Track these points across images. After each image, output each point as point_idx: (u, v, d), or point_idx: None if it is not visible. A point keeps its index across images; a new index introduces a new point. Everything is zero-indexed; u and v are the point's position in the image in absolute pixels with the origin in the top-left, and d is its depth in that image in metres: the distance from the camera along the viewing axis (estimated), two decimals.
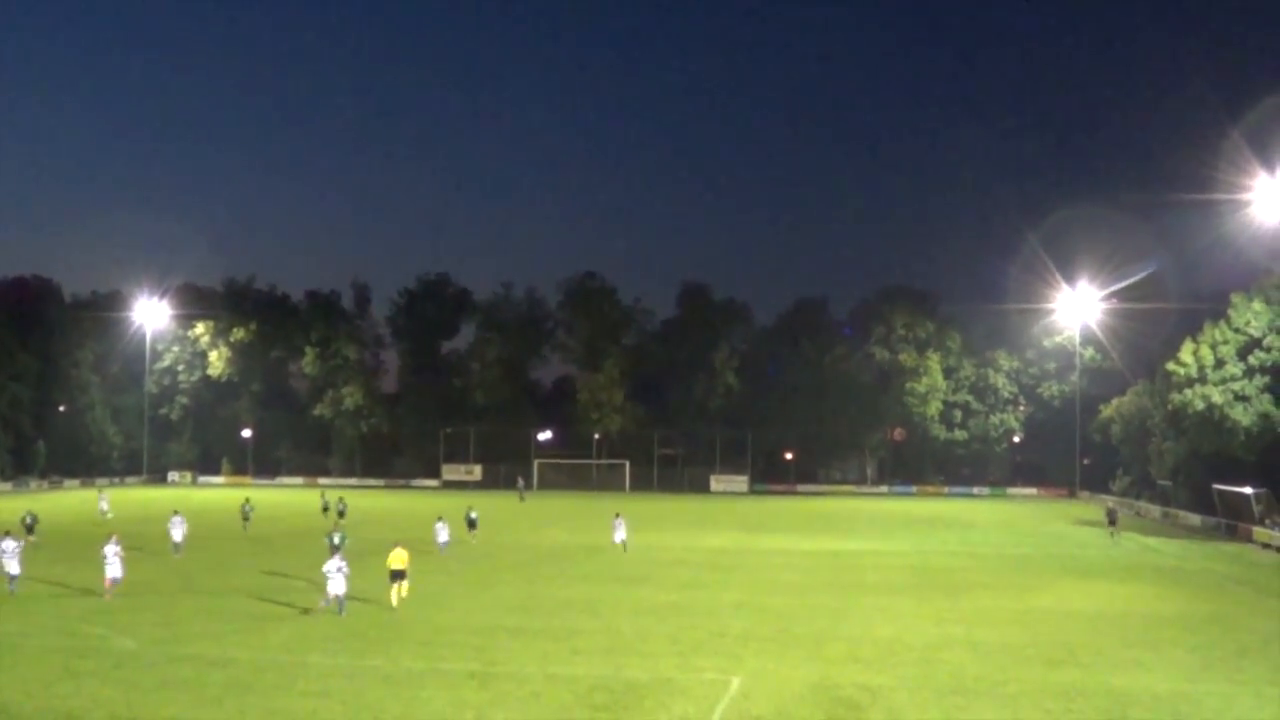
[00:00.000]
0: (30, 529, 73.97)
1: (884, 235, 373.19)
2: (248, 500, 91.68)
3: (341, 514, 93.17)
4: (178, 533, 70.81)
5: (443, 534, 71.54)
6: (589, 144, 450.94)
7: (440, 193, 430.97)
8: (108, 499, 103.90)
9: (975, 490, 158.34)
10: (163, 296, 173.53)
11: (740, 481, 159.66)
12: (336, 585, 47.40)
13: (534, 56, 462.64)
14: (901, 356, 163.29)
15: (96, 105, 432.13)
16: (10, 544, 53.85)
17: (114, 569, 52.18)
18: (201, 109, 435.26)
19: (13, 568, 52.96)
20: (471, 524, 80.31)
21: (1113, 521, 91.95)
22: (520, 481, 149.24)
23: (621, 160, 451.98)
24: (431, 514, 76.35)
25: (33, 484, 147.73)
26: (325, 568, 48.25)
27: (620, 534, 76.70)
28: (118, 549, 52.78)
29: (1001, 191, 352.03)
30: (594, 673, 35.06)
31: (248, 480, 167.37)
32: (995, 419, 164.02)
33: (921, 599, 52.60)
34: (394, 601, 49.12)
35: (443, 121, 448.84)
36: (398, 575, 49.87)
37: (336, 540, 60.70)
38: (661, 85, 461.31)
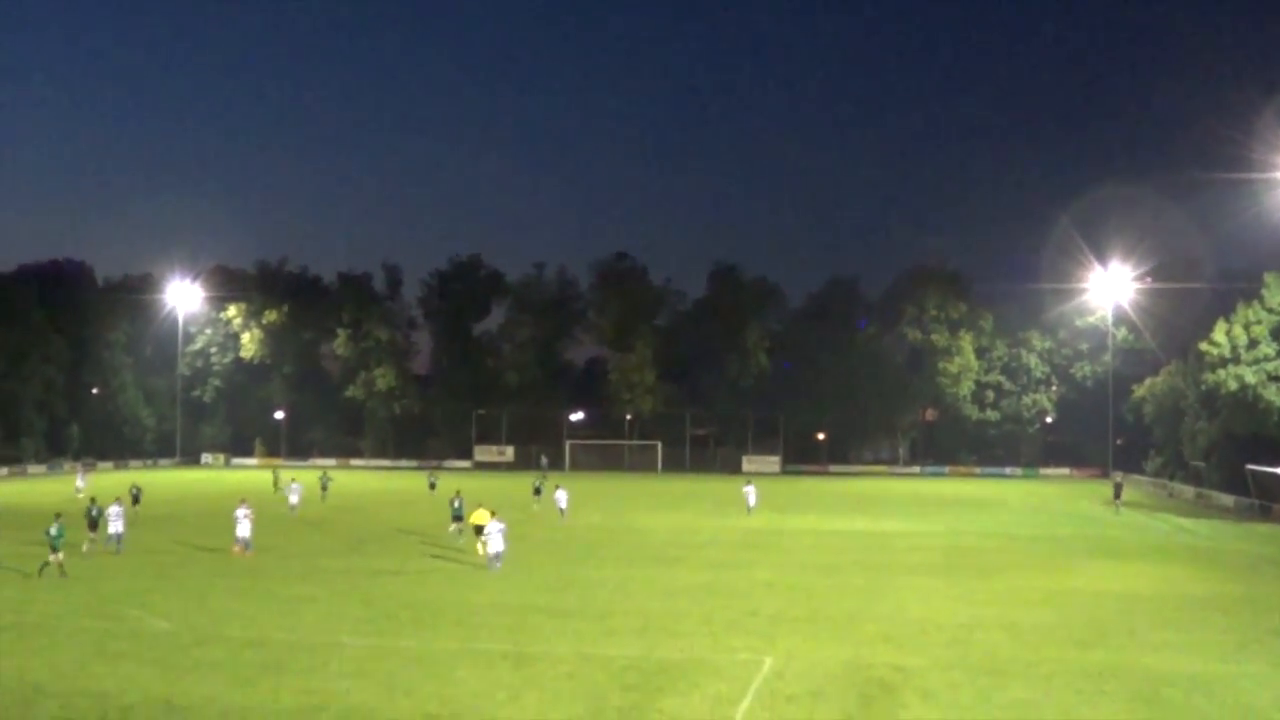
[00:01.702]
0: (136, 499, 78.57)
1: (916, 215, 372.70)
2: (325, 473, 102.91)
3: (433, 485, 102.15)
4: (295, 497, 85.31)
5: (562, 501, 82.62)
6: (621, 125, 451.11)
7: (472, 174, 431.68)
8: (85, 479, 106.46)
9: (1008, 471, 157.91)
10: (195, 279, 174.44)
11: (772, 462, 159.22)
12: (496, 544, 53.56)
13: (565, 38, 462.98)
14: (934, 337, 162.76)
15: (129, 89, 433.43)
16: (115, 509, 60.10)
17: (243, 529, 58.76)
18: (234, 92, 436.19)
19: (117, 526, 58.78)
20: (538, 491, 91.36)
21: (1117, 495, 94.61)
22: (543, 460, 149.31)
23: (653, 141, 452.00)
24: (480, 495, 76.15)
25: (66, 466, 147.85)
26: (487, 529, 54.81)
27: (751, 500, 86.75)
28: (248, 511, 59.55)
29: (1035, 171, 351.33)
30: (627, 653, 35.08)
31: (279, 462, 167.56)
32: (1028, 399, 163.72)
33: (954, 579, 52.55)
34: (480, 552, 56.71)
35: (474, 103, 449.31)
36: (481, 530, 57.39)
37: (457, 505, 67.98)
38: (693, 65, 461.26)
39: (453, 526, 66.30)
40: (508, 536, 55.21)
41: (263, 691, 30.02)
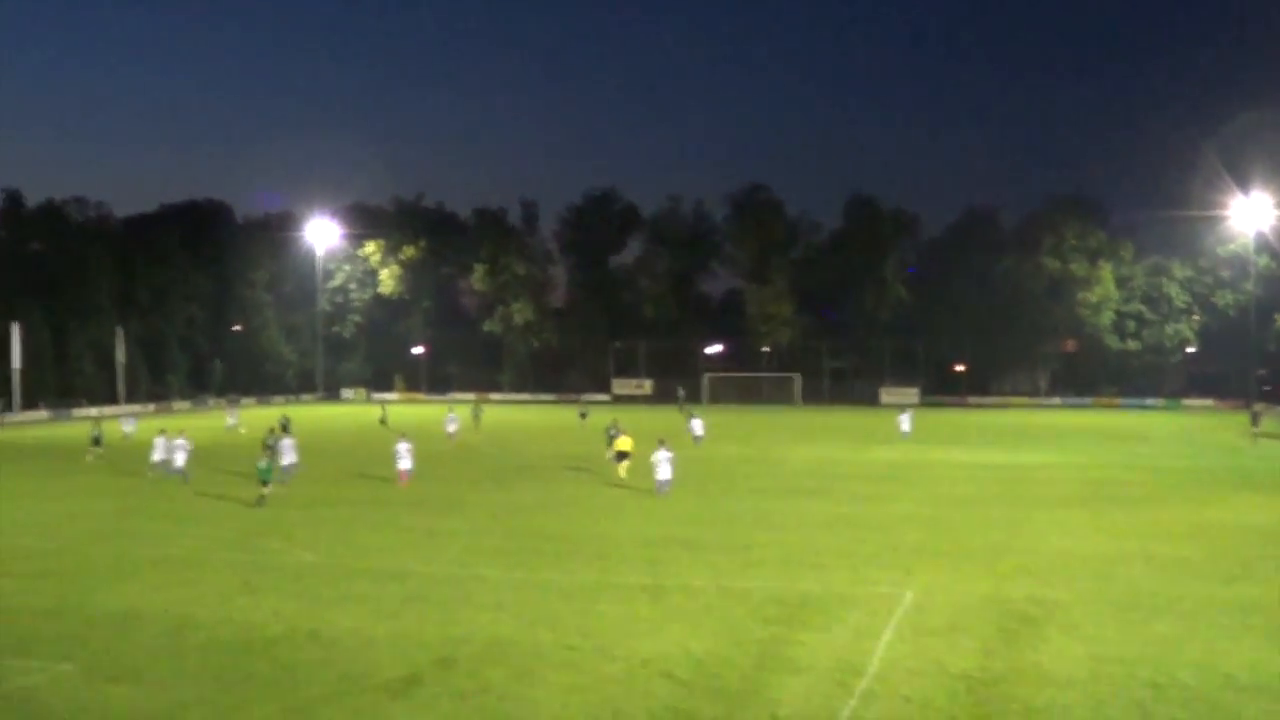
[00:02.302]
0: (285, 429, 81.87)
1: (1055, 143, 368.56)
2: (478, 405, 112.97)
3: (583, 416, 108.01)
4: (452, 427, 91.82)
5: (698, 429, 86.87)
6: (754, 56, 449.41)
7: (606, 108, 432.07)
8: (236, 414, 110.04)
9: (1149, 402, 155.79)
10: (333, 216, 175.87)
11: (911, 394, 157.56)
12: (664, 472, 56.41)
13: None
14: (1073, 266, 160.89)
15: (266, 28, 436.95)
16: (289, 441, 63.51)
17: (405, 462, 61.58)
18: (370, 29, 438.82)
19: (290, 457, 61.72)
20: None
21: (1255, 424, 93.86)
22: (681, 392, 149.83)
23: (787, 71, 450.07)
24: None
25: (210, 402, 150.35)
26: (653, 458, 57.21)
27: (906, 426, 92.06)
28: (409, 445, 62.16)
29: (1175, 97, 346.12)
30: (766, 586, 35.09)
31: (420, 397, 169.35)
32: (1169, 329, 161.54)
33: (1096, 512, 52.05)
34: (622, 473, 62.97)
35: (608, 37, 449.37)
36: (623, 455, 64.00)
37: (613, 433, 72.16)
38: None
39: (609, 454, 68.67)
40: (675, 464, 57.44)
41: (406, 623, 30.39)
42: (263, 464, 55.01)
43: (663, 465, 56.43)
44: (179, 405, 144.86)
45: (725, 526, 47.30)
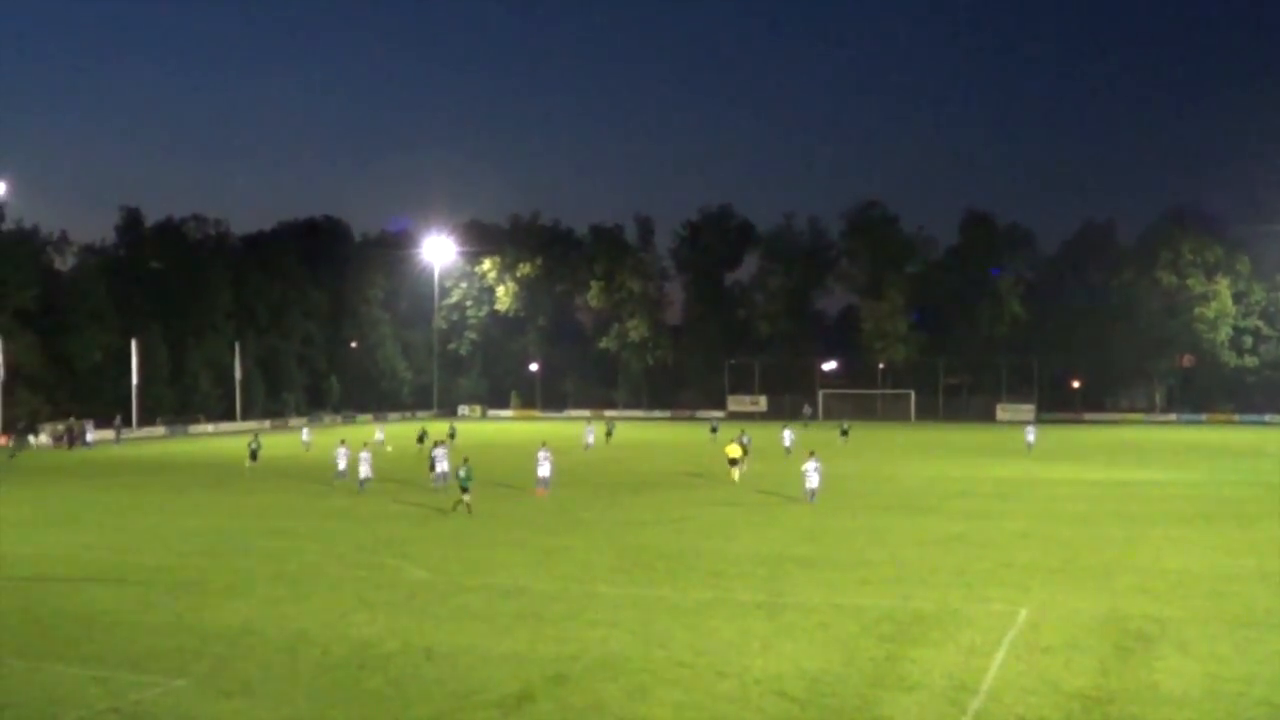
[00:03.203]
0: (421, 441, 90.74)
1: (1170, 157, 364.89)
2: (611, 421, 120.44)
3: (714, 430, 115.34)
4: (590, 438, 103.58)
5: (787, 440, 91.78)
6: (869, 72, 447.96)
7: (721, 124, 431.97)
8: (383, 430, 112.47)
9: (1267, 418, 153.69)
10: (449, 233, 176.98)
11: (1026, 410, 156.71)
12: (812, 481, 60.01)
13: None
14: (1189, 281, 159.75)
15: (382, 47, 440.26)
16: (440, 450, 66.60)
17: (544, 470, 64.21)
18: (485, 47, 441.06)
19: (442, 466, 64.59)
20: (844, 433, 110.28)
21: None
22: (807, 409, 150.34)
23: (901, 87, 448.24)
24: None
25: (326, 418, 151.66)
26: (803, 468, 60.90)
27: (1031, 438, 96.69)
28: (548, 454, 65.22)
29: None
30: (881, 603, 34.89)
31: (536, 414, 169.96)
32: None
33: (1212, 530, 51.50)
34: (735, 477, 69.21)
35: (723, 54, 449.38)
36: (734, 462, 70.00)
37: (745, 441, 76.25)
38: (938, 9, 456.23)
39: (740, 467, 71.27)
40: (822, 474, 61.19)
41: (519, 640, 30.40)
42: (462, 472, 57.11)
43: (811, 475, 59.95)
44: (295, 421, 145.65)
45: (839, 543, 47.21)
